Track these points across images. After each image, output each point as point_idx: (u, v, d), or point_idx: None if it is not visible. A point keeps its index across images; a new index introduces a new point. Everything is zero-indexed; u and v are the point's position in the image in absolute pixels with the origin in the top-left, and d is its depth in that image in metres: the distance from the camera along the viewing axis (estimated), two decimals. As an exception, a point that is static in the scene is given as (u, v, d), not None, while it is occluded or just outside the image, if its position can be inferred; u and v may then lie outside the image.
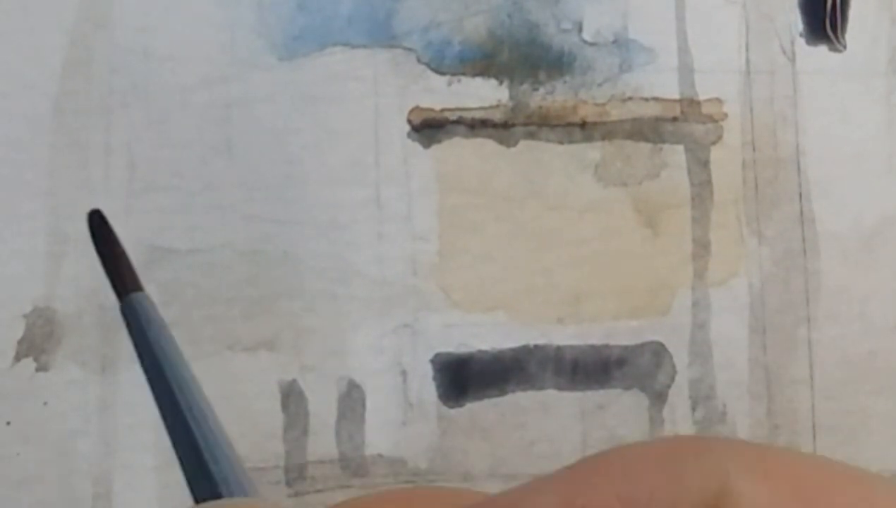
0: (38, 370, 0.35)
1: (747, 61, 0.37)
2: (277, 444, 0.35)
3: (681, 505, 0.18)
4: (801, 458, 0.20)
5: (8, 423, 0.35)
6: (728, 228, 0.36)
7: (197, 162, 0.36)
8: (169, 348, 0.24)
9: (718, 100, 0.37)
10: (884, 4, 0.38)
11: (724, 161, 0.37)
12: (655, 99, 0.37)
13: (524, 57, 0.37)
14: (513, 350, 0.36)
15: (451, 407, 0.35)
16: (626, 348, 0.36)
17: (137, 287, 0.26)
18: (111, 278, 0.27)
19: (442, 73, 0.36)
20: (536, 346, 0.36)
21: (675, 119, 0.37)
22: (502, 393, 0.36)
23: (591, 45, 0.37)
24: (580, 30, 0.37)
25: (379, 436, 0.35)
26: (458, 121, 0.36)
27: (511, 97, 0.36)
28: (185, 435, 0.22)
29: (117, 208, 0.35)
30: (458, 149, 0.36)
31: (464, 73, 0.36)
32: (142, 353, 0.24)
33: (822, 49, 0.37)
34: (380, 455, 0.35)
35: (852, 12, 0.38)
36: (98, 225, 0.27)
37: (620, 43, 0.37)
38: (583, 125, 0.37)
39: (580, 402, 0.36)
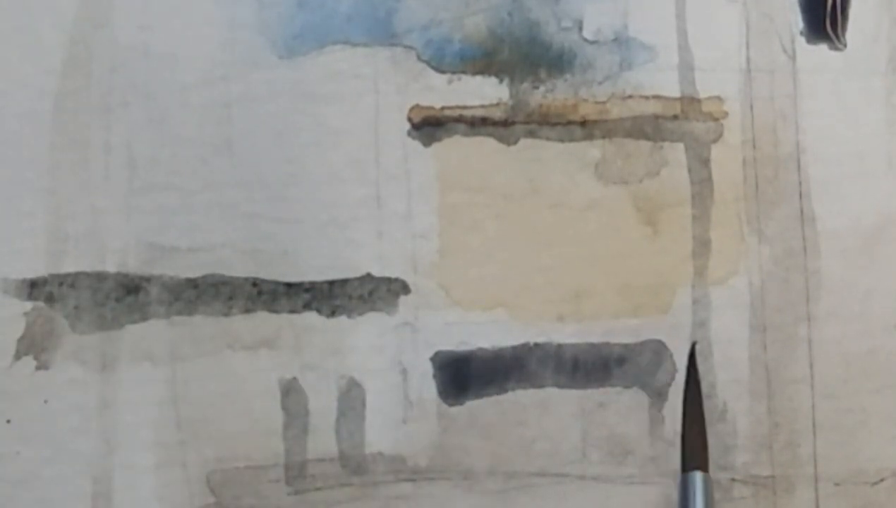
0: (38, 368, 0.35)
1: (748, 59, 0.37)
2: (277, 442, 0.35)
3: None
4: None
5: (8, 421, 0.35)
6: (728, 226, 0.36)
7: (197, 161, 0.36)
8: None
9: (719, 99, 0.37)
10: (884, 4, 0.38)
11: (725, 159, 0.37)
12: (656, 97, 0.37)
13: (524, 55, 0.37)
14: (513, 348, 0.36)
15: (452, 405, 0.35)
16: (626, 346, 0.36)
17: (704, 467, 0.33)
18: (684, 448, 0.34)
19: (442, 72, 0.36)
20: (537, 344, 0.36)
21: (675, 117, 0.37)
22: (502, 390, 0.36)
23: (592, 43, 0.37)
24: (580, 28, 0.37)
25: (379, 434, 0.35)
26: (459, 120, 0.36)
27: (511, 95, 0.37)
28: None
29: (117, 207, 0.35)
30: (459, 148, 0.36)
31: (464, 72, 0.36)
32: None
33: (823, 48, 0.37)
34: (380, 453, 0.35)
35: (852, 11, 0.38)
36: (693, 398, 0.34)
37: (621, 41, 0.37)
38: (583, 123, 0.37)
39: (580, 400, 0.36)
